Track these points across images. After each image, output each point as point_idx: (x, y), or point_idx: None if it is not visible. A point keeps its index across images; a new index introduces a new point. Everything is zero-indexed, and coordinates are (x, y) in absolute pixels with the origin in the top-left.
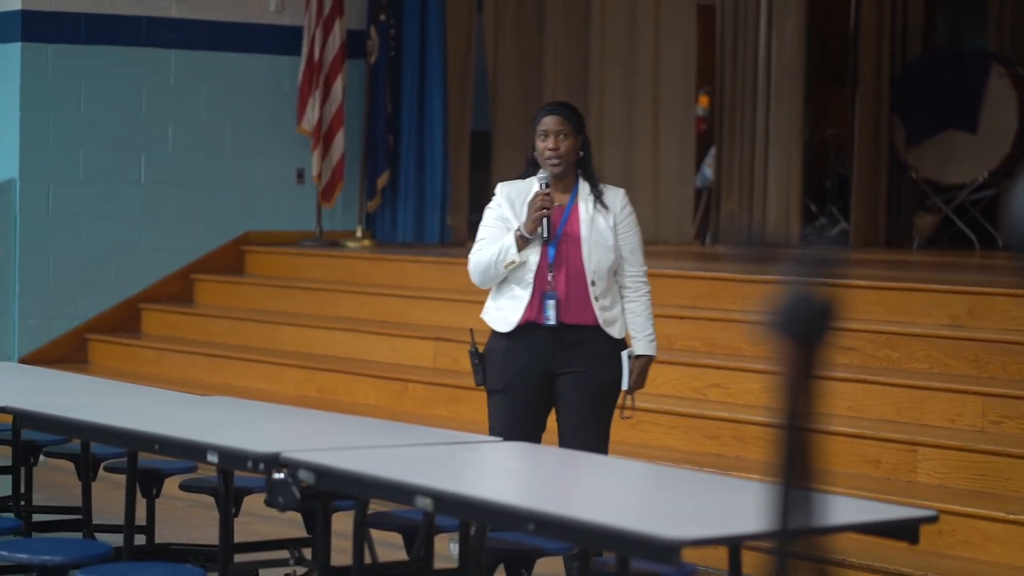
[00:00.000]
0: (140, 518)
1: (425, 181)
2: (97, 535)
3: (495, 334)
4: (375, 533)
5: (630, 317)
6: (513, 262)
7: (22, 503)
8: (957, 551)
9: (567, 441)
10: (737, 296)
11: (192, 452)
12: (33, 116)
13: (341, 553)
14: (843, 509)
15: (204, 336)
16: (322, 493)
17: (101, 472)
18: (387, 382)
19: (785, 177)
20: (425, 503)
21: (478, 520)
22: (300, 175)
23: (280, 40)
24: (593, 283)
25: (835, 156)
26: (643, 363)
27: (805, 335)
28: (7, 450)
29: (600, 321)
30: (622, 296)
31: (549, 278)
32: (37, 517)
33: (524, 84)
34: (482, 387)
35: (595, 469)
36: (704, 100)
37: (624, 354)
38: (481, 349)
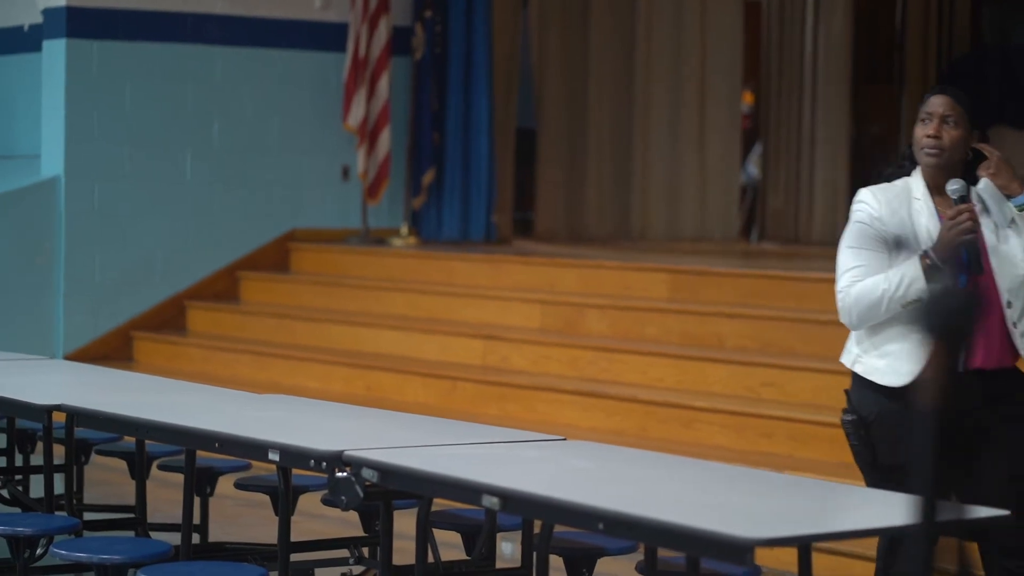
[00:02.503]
0: (194, 517)
1: (470, 179)
2: (151, 534)
3: (877, 392)
4: (435, 532)
5: None
6: (919, 300)
7: (75, 502)
8: None
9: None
10: (787, 294)
11: (253, 451)
12: (78, 113)
13: (399, 552)
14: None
15: (250, 334)
16: (386, 491)
17: (153, 471)
18: (436, 380)
19: (831, 174)
20: (492, 502)
21: (545, 519)
22: (346, 172)
23: (326, 37)
24: (1009, 304)
25: (882, 153)
26: None
27: (951, 332)
28: (60, 448)
29: None
30: None
31: None
32: (88, 516)
33: (569, 81)
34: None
35: (660, 469)
36: (749, 97)
37: None
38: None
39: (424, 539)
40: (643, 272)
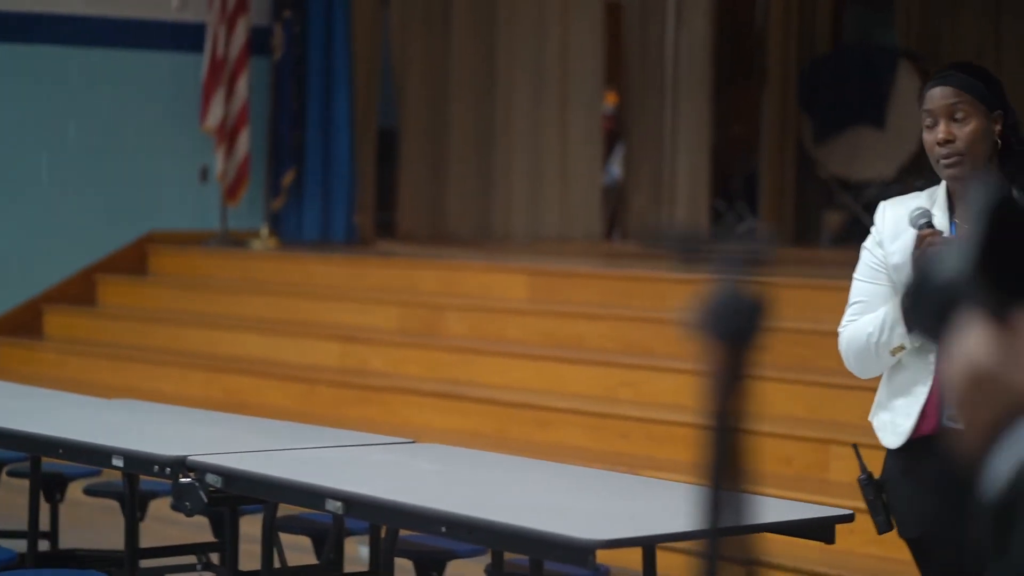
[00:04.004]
0: (44, 524)
1: (331, 180)
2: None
3: (891, 452)
4: (285, 537)
5: None
6: (903, 347)
7: None
8: (871, 550)
9: None
10: (646, 294)
11: (97, 457)
12: None
13: (250, 557)
14: (759, 508)
15: (107, 337)
16: (230, 497)
17: (4, 477)
18: (294, 383)
19: (692, 175)
20: (335, 506)
21: (389, 523)
22: (204, 173)
23: (183, 37)
24: None
25: (743, 154)
26: None
27: (734, 335)
28: None
29: None
30: None
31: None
32: None
33: (431, 81)
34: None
35: (509, 472)
36: (613, 97)
37: None
38: (878, 475)
39: (269, 544)
40: (503, 273)
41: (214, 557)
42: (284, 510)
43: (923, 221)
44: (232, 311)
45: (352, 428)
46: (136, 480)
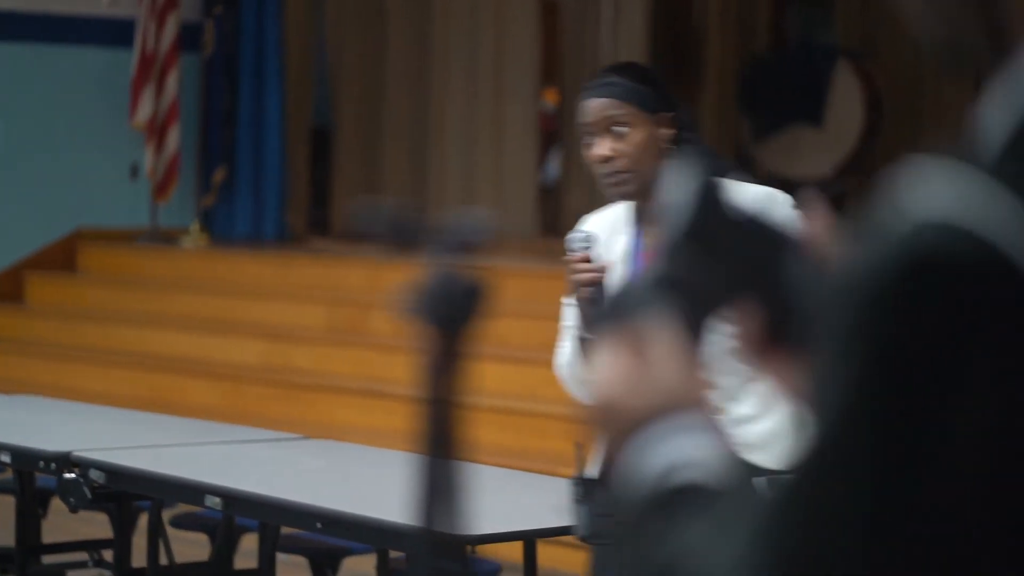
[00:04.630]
0: None
1: (263, 177)
2: None
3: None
4: (185, 534)
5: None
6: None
7: None
8: None
9: None
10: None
11: None
12: None
13: (142, 553)
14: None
15: (35, 335)
16: (116, 493)
17: None
18: (219, 381)
19: None
20: (214, 502)
21: (267, 519)
22: (135, 170)
23: (113, 33)
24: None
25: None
26: None
27: (449, 320)
28: None
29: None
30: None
31: None
32: None
33: (366, 79)
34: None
35: (401, 468)
36: (553, 96)
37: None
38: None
39: (155, 540)
40: None
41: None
42: (186, 507)
43: (580, 247)
44: (161, 309)
45: (276, 426)
46: (29, 476)
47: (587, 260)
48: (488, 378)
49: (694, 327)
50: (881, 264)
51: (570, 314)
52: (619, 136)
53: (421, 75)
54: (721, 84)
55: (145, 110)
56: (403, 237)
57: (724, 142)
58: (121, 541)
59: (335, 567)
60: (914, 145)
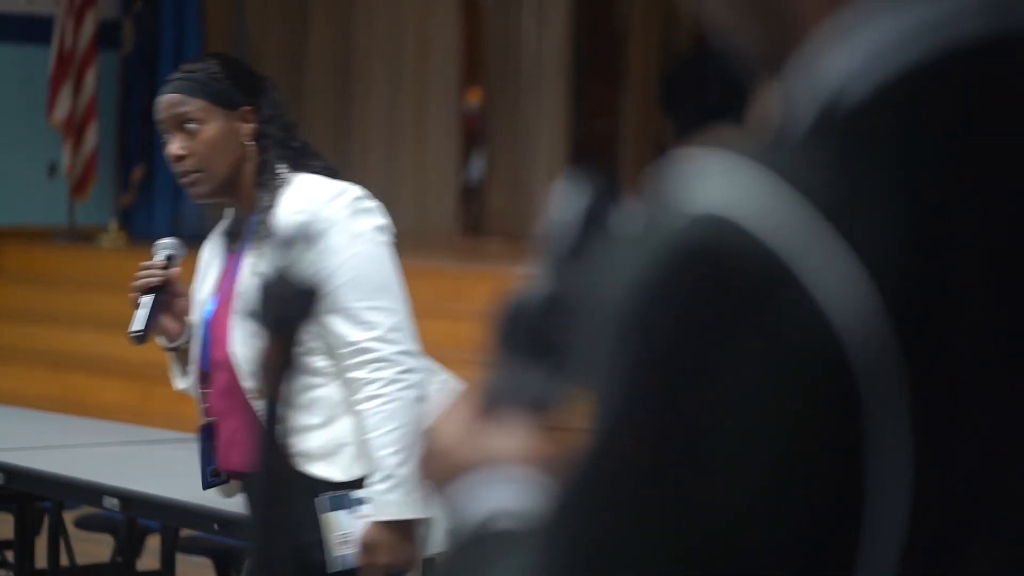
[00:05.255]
0: None
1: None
2: None
3: None
4: (92, 535)
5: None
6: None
7: None
8: None
9: None
10: (486, 292)
11: None
12: None
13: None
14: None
15: None
16: (18, 494)
17: None
18: (134, 381)
19: (552, 173)
20: (112, 503)
21: (166, 520)
22: (52, 168)
23: (31, 30)
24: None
25: (604, 152)
26: (377, 533)
27: (280, 322)
28: None
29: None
30: (353, 396)
31: (204, 404)
32: None
33: (287, 77)
34: None
35: None
36: (476, 95)
37: (333, 511)
38: None
39: (56, 542)
40: None
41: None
42: (89, 509)
43: (164, 254)
44: (78, 307)
45: (189, 427)
46: None
47: (164, 268)
48: None
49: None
50: (648, 258)
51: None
52: (190, 133)
53: (343, 72)
54: (644, 83)
55: (63, 108)
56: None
57: (646, 142)
58: (22, 542)
59: (239, 567)
60: None
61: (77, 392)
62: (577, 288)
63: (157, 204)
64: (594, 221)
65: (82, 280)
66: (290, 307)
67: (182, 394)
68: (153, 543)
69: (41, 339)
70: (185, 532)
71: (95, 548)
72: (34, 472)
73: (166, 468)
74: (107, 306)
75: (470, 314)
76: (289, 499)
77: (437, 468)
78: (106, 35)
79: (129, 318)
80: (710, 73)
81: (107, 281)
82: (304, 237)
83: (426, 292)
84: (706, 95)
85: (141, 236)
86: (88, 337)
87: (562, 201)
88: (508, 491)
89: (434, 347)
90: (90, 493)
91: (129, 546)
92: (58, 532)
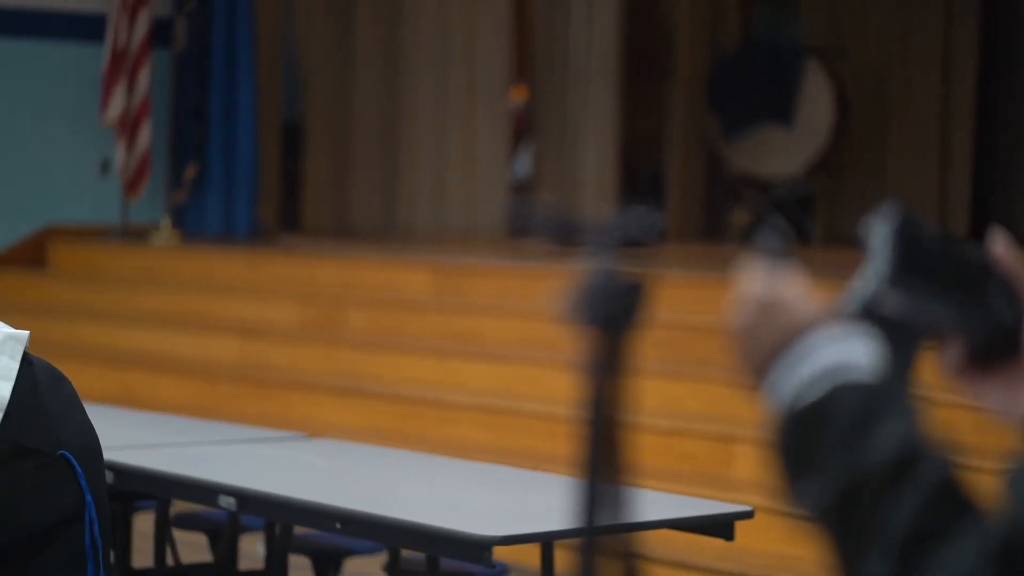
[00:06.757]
0: None
1: (234, 173)
2: None
3: None
4: (181, 533)
5: None
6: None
7: None
8: (771, 547)
9: None
10: (548, 290)
11: None
12: None
13: (142, 554)
14: (656, 505)
15: None
16: (122, 493)
17: None
18: (192, 379)
19: (600, 171)
20: (228, 502)
21: (283, 519)
22: (105, 166)
23: (83, 27)
24: None
25: (651, 151)
26: None
27: (609, 320)
28: None
29: None
30: None
31: None
32: None
33: (336, 73)
34: None
35: (408, 467)
36: (522, 93)
37: None
38: None
39: (162, 541)
40: (405, 267)
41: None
42: (181, 507)
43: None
44: (131, 305)
45: (251, 424)
46: None
47: None
48: (471, 377)
49: (904, 358)
50: None
51: None
52: None
53: (391, 69)
54: (691, 82)
55: (116, 106)
56: (562, 235)
57: (693, 141)
58: (124, 542)
59: (338, 567)
60: (882, 143)
61: (135, 389)
62: (901, 302)
63: (209, 202)
64: (910, 238)
65: (134, 278)
66: (618, 305)
67: (244, 390)
68: (246, 544)
69: (95, 337)
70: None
71: (184, 549)
72: (144, 471)
73: (270, 466)
74: (160, 303)
75: (531, 312)
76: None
77: (766, 323)
78: (159, 33)
79: (180, 315)
80: (756, 71)
81: (159, 279)
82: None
83: (489, 290)
84: (752, 93)
85: (193, 234)
86: (143, 334)
87: (874, 224)
88: (852, 346)
89: (499, 345)
90: (204, 492)
91: (232, 544)
92: (165, 530)
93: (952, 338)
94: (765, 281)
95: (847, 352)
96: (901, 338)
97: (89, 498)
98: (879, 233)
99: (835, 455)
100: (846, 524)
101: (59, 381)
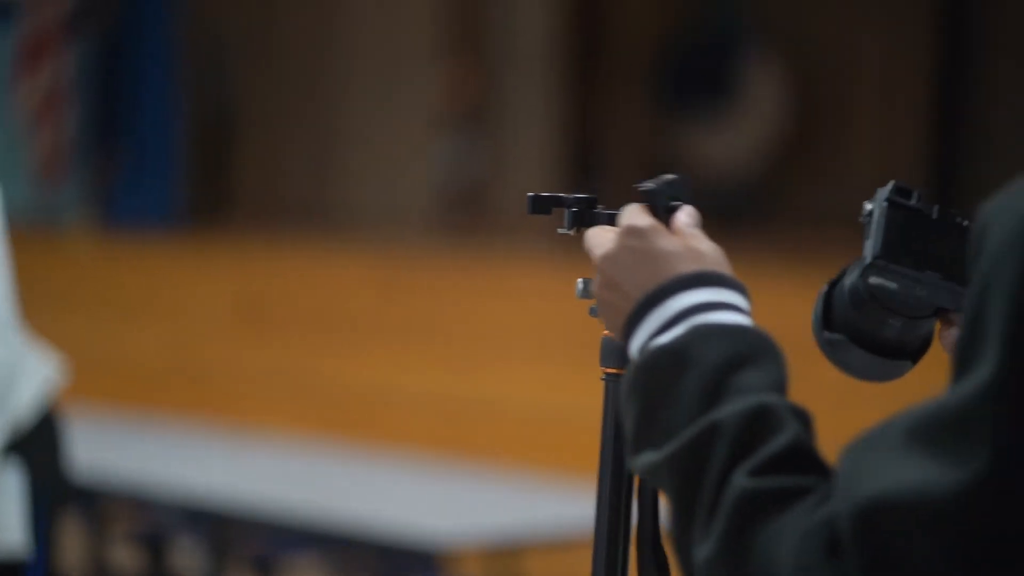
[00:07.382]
0: None
1: (158, 157)
2: None
3: None
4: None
5: None
6: None
7: None
8: None
9: None
10: (495, 277)
11: None
12: None
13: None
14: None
15: None
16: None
17: None
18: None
19: (539, 151)
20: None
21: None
22: (23, 152)
23: (1, 10)
24: None
25: (591, 132)
26: None
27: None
28: None
29: None
30: None
31: None
32: None
33: (267, 53)
34: None
35: (347, 464)
36: (464, 72)
37: None
38: None
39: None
40: (341, 252)
41: None
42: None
43: None
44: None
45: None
46: None
47: None
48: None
49: (911, 335)
50: None
51: None
52: None
53: (324, 44)
54: (634, 68)
55: (35, 90)
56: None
57: (637, 126)
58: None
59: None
60: (834, 127)
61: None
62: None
63: (131, 186)
64: (900, 214)
65: (51, 265)
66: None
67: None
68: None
69: None
70: None
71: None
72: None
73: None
74: (82, 292)
75: (478, 301)
76: None
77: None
78: (79, 16)
79: (101, 303)
80: (701, 55)
81: (79, 267)
82: None
83: (429, 276)
84: (697, 78)
85: (115, 220)
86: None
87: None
88: (721, 292)
89: (444, 334)
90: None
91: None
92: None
93: (950, 315)
94: (639, 226)
95: (714, 296)
96: (899, 315)
97: None
98: (873, 210)
99: (686, 403)
100: (684, 479)
101: None
